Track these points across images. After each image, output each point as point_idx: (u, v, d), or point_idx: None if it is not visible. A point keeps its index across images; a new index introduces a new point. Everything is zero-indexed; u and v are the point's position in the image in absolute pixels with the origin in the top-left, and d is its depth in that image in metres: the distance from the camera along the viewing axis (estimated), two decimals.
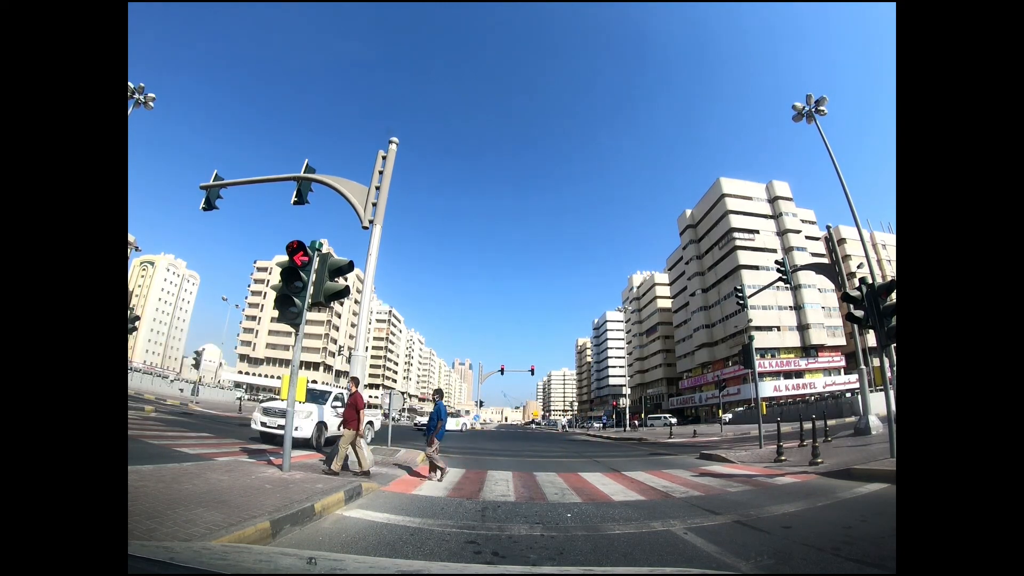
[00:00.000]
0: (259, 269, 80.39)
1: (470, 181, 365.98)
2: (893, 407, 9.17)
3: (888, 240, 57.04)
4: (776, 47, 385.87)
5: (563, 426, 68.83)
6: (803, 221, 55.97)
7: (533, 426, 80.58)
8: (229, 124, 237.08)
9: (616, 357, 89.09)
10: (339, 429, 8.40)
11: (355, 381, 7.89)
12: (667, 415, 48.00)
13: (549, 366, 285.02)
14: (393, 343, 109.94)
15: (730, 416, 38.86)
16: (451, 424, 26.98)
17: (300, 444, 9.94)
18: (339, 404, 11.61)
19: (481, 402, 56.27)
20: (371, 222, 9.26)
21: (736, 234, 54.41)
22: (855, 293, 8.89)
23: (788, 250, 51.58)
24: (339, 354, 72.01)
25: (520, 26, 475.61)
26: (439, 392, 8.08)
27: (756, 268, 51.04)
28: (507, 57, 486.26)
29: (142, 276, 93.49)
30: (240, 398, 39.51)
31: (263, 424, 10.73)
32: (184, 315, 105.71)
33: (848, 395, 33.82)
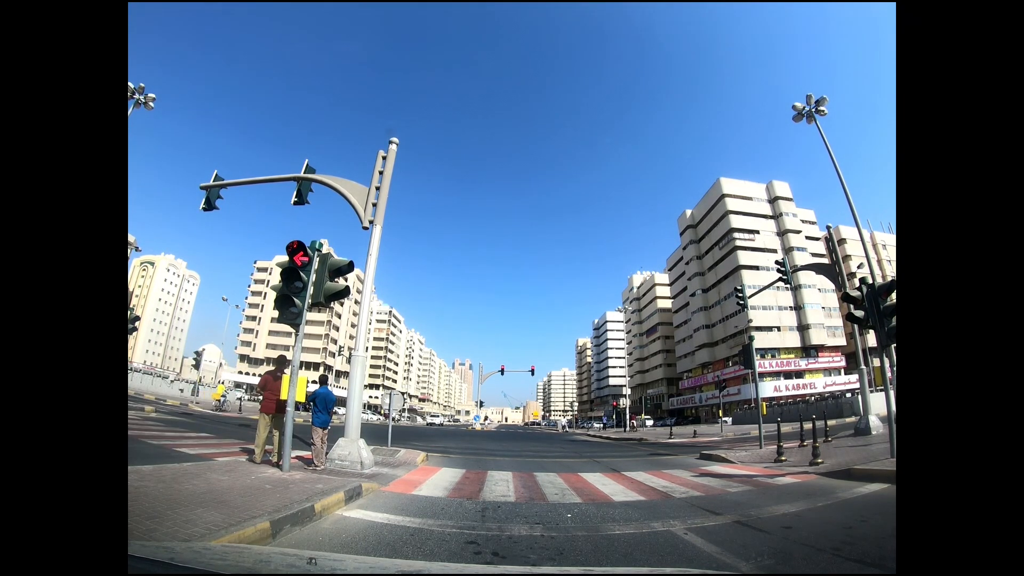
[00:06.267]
0: (259, 269, 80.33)
1: (471, 181, 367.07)
2: (893, 407, 9.17)
3: (888, 240, 57.04)
4: (776, 47, 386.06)
5: (563, 426, 68.96)
6: (803, 221, 55.95)
7: (534, 426, 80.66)
8: (229, 124, 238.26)
9: (616, 357, 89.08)
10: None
11: (280, 362, 7.84)
12: (646, 417, 51.98)
13: (549, 366, 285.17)
14: (393, 343, 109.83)
15: (730, 420, 39.10)
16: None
17: None
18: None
19: (481, 402, 56.40)
20: (371, 222, 9.24)
21: (736, 234, 54.41)
22: (855, 293, 8.88)
23: (788, 250, 51.61)
24: (339, 354, 71.99)
25: (521, 26, 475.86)
26: (323, 378, 8.11)
27: (756, 268, 51.05)
28: (509, 57, 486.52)
29: (142, 276, 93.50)
30: (240, 398, 39.51)
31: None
32: (184, 315, 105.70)
33: (848, 395, 33.82)
